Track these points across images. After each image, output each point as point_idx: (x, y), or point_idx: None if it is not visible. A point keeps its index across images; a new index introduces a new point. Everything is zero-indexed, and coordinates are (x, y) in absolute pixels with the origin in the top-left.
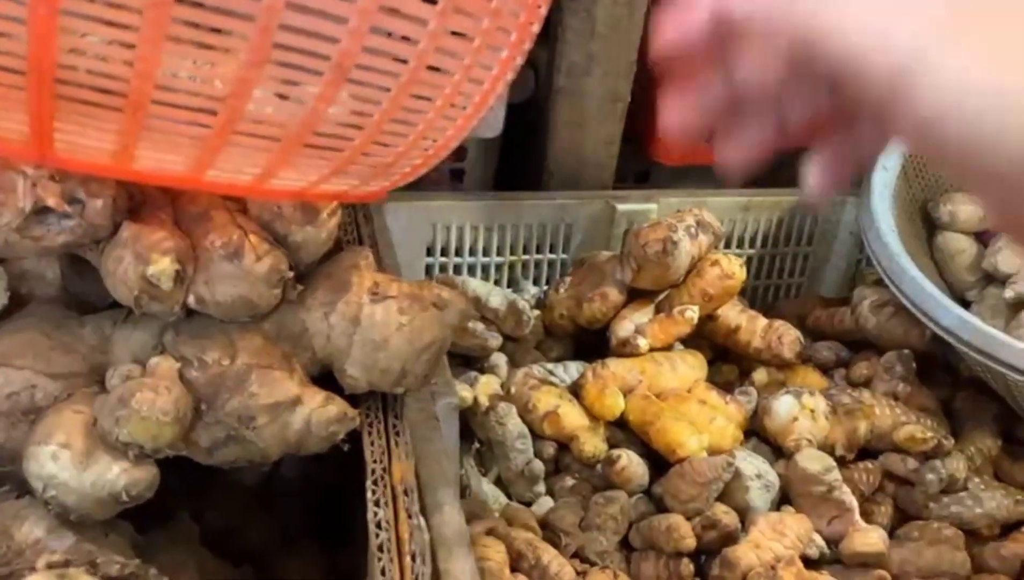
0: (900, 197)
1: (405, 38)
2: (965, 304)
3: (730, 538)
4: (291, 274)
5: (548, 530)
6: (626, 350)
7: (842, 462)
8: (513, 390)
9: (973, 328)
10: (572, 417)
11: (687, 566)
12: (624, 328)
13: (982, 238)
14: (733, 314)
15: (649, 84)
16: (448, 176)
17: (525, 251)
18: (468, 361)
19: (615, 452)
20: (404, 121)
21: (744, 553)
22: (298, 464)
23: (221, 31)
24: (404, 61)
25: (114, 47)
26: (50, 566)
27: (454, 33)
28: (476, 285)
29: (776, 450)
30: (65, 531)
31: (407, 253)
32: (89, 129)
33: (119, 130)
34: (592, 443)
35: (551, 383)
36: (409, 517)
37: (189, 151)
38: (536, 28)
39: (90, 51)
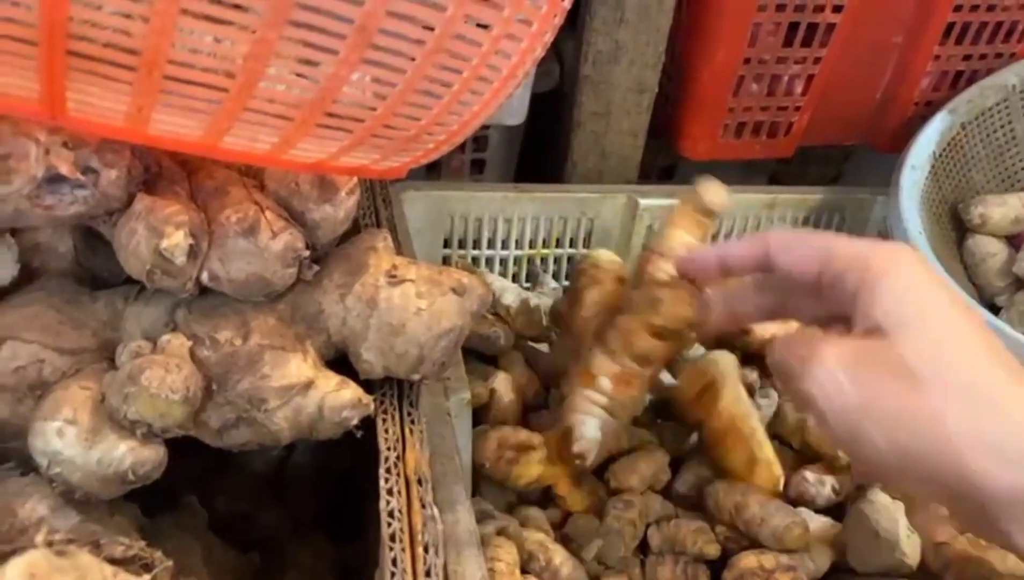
0: (929, 198)
1: (431, 5)
2: (995, 309)
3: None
4: (307, 253)
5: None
6: None
7: None
8: None
9: (1002, 334)
10: None
11: (704, 572)
12: None
13: (1013, 242)
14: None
15: (676, 76)
16: (468, 166)
17: (545, 245)
18: (483, 358)
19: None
20: (428, 92)
21: (746, 556)
22: (311, 452)
23: None
24: (430, 28)
25: (128, 3)
26: (50, 544)
27: (482, 1)
28: (491, 280)
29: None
30: (69, 510)
31: (424, 244)
32: (103, 91)
33: (133, 91)
34: None
35: None
36: (423, 507)
37: (205, 117)
38: (566, 3)
39: (105, 9)
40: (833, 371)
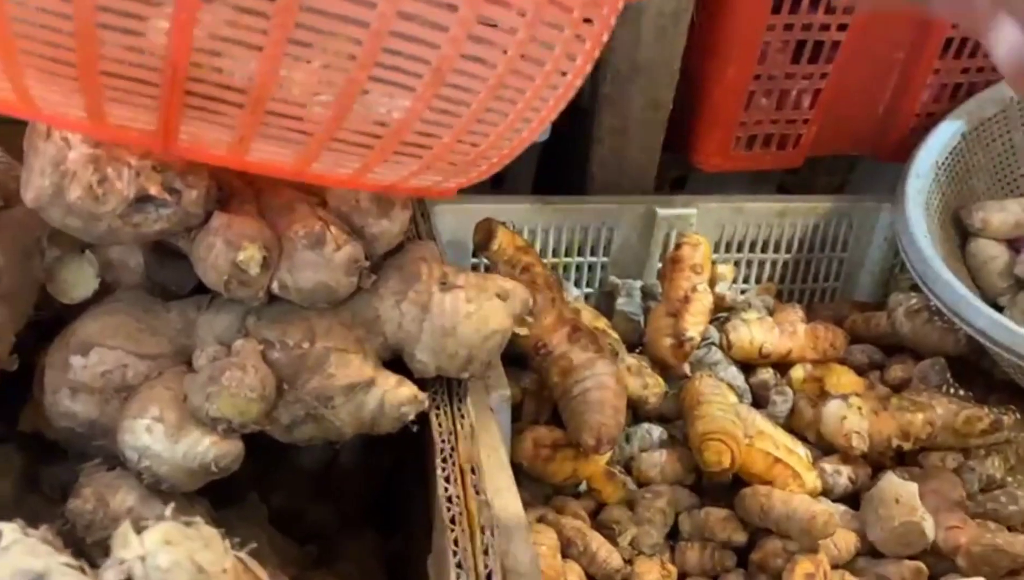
0: (933, 204)
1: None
2: (998, 310)
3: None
4: (367, 263)
5: (599, 523)
6: None
7: (896, 457)
8: None
9: (1005, 329)
10: None
11: (731, 557)
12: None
13: (1014, 245)
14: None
15: (690, 92)
16: (489, 180)
17: (567, 254)
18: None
19: None
20: (488, 122)
21: (771, 540)
22: (357, 451)
23: (333, 35)
24: (494, 66)
25: (241, 50)
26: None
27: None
28: None
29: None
30: (155, 500)
31: (453, 255)
32: (208, 124)
33: (237, 124)
34: None
35: None
36: (477, 493)
37: (297, 147)
38: (606, 37)
39: (219, 52)
40: None
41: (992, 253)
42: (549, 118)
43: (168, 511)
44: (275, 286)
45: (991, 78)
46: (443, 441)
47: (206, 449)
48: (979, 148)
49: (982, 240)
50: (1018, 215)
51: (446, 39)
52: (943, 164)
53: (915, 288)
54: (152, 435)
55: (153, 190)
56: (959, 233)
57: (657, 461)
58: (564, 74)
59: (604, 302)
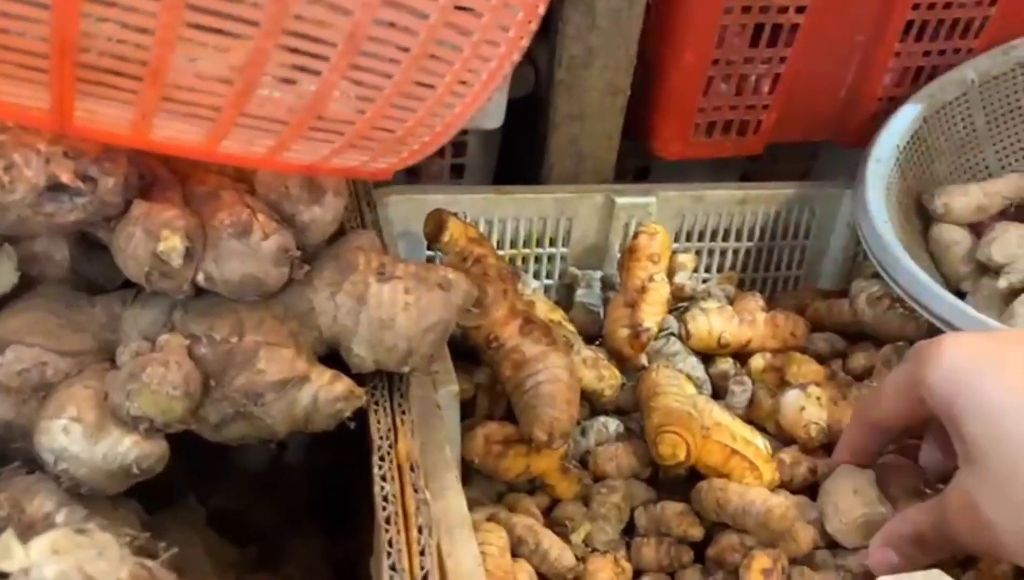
0: (895, 190)
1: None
2: (961, 295)
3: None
4: (298, 253)
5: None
6: None
7: None
8: None
9: (966, 316)
10: None
11: (687, 553)
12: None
13: (976, 230)
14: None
15: (647, 78)
16: (448, 171)
17: (525, 245)
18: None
19: None
20: (413, 96)
21: (728, 534)
22: (302, 450)
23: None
24: (415, 34)
25: (134, 17)
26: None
27: (462, 8)
28: None
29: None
30: (75, 505)
31: (408, 247)
32: (107, 101)
33: (138, 100)
34: None
35: None
36: (415, 491)
37: (205, 123)
38: (542, 9)
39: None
40: None
41: (955, 238)
42: (485, 94)
43: (60, 517)
44: (200, 278)
45: (952, 61)
46: (381, 438)
47: (127, 450)
48: (941, 132)
49: (944, 225)
50: (980, 199)
51: (359, 3)
52: (904, 148)
53: (878, 275)
54: (69, 436)
55: (65, 178)
56: (921, 218)
57: (613, 455)
58: (497, 45)
59: (564, 294)
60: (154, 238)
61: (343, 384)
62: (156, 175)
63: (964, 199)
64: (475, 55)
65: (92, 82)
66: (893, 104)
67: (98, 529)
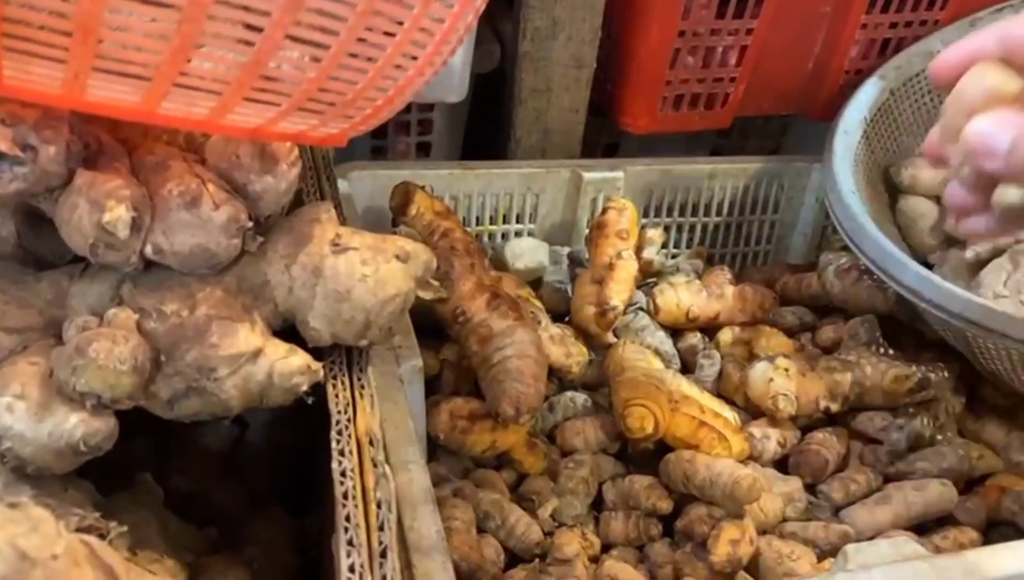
0: (863, 162)
1: None
2: (928, 266)
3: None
4: (250, 224)
5: (520, 496)
6: None
7: (826, 419)
8: None
9: (933, 286)
10: None
11: (656, 526)
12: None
13: (943, 202)
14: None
15: (614, 52)
16: (415, 149)
17: (492, 222)
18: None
19: None
20: (362, 56)
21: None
22: (265, 429)
23: None
24: None
25: None
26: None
27: None
28: None
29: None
30: (22, 485)
31: (372, 223)
32: (40, 60)
33: (70, 57)
34: None
35: None
36: (375, 466)
37: (142, 83)
38: None
39: None
40: None
41: (922, 210)
42: (439, 58)
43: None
44: (149, 250)
45: (919, 33)
46: (339, 413)
47: (73, 427)
48: (908, 104)
49: (912, 198)
50: (947, 172)
51: None
52: (872, 120)
53: (846, 248)
54: (13, 414)
55: (3, 146)
56: (889, 191)
57: (580, 429)
58: (450, 5)
59: None
60: (99, 209)
61: (299, 358)
62: (102, 144)
63: (931, 172)
64: (426, 14)
65: (21, 38)
66: (860, 76)
67: (32, 504)
